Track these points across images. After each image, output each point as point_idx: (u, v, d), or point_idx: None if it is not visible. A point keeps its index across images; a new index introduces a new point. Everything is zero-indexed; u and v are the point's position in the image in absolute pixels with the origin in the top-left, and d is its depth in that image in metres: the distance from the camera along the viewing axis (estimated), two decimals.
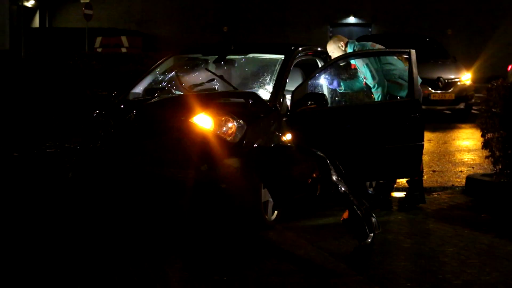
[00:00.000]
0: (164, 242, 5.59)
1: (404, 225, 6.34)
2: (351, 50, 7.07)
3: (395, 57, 7.01)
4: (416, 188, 6.97)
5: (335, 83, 7.09)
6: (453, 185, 8.17)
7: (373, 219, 5.44)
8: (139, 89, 7.19)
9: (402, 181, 7.77)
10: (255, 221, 5.93)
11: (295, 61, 6.97)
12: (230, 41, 27.75)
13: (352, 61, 7.09)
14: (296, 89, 6.51)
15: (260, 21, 30.71)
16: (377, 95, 6.88)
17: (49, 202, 6.31)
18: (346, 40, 7.20)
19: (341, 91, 7.20)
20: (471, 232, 6.06)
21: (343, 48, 7.10)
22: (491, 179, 7.46)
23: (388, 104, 6.73)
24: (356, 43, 7.20)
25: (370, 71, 6.84)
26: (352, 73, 7.29)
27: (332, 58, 7.11)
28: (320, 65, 7.45)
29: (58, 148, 6.22)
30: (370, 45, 7.22)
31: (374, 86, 6.88)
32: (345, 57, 7.04)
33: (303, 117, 6.40)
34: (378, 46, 7.22)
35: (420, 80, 6.80)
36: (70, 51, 15.01)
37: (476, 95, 15.18)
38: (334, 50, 7.16)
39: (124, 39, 25.15)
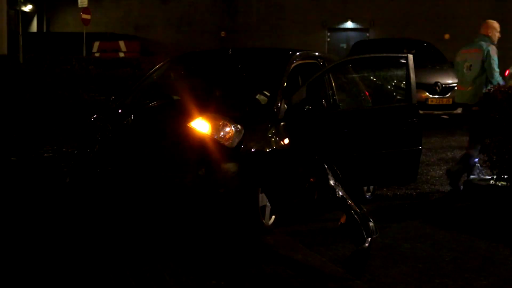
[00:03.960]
0: (162, 247, 5.59)
1: (401, 230, 6.34)
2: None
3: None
4: None
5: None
6: (451, 189, 8.17)
7: (371, 224, 5.45)
8: (136, 93, 7.19)
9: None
10: (252, 226, 5.93)
11: (293, 66, 6.98)
12: (228, 46, 27.79)
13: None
14: (293, 93, 6.52)
15: (258, 26, 30.75)
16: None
17: (47, 207, 6.31)
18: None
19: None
20: (469, 237, 6.07)
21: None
22: (488, 183, 7.47)
23: (386, 108, 6.73)
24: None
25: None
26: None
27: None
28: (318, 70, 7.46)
29: (56, 152, 6.23)
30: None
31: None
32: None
33: (301, 121, 6.40)
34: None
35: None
36: (68, 56, 15.01)
37: None
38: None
39: (121, 43, 25.19)
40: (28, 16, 31.09)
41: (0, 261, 5.21)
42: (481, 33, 7.99)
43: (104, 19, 30.47)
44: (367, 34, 30.57)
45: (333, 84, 7.04)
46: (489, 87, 7.53)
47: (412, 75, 6.56)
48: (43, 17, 32.47)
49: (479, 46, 7.85)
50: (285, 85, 6.65)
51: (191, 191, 5.68)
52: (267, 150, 5.93)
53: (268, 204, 6.00)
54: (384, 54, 7.29)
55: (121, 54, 23.99)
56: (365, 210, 5.63)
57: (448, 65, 16.02)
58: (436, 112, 14.81)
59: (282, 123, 6.33)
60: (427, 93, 14.42)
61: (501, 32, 8.13)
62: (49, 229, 5.98)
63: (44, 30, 32.36)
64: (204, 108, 6.17)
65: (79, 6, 20.53)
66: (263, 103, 6.71)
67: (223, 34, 30.63)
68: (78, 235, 5.82)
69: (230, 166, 5.73)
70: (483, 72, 7.75)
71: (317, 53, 7.73)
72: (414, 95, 6.53)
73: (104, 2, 31.38)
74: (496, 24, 8.08)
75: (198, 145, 5.77)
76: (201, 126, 5.87)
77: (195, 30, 30.97)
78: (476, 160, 7.81)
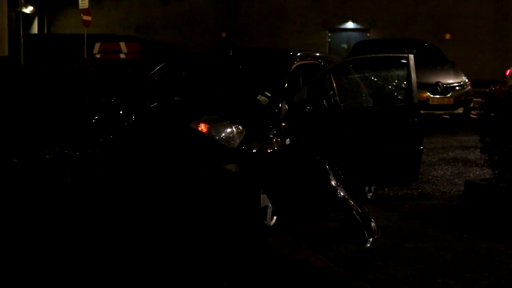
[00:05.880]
0: (164, 247, 5.59)
1: (403, 230, 6.34)
2: None
3: None
4: None
5: None
6: (452, 189, 8.18)
7: (372, 224, 5.46)
8: (138, 95, 7.20)
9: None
10: (254, 226, 5.93)
11: (294, 66, 6.99)
12: (229, 46, 27.82)
13: None
14: (294, 94, 6.52)
15: (259, 26, 30.78)
16: None
17: (49, 209, 6.31)
18: None
19: None
20: (470, 237, 6.07)
21: None
22: (490, 183, 7.47)
23: (387, 109, 6.74)
24: None
25: None
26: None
27: None
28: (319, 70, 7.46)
29: (57, 154, 6.22)
30: None
31: None
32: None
33: (302, 122, 6.40)
34: None
35: None
36: (69, 57, 15.02)
37: (475, 99, 15.21)
38: None
39: (122, 45, 25.24)
40: (29, 17, 31.14)
41: (2, 262, 5.21)
42: None
43: (105, 21, 30.53)
44: (368, 34, 30.61)
45: (334, 84, 7.04)
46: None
47: (413, 75, 6.56)
48: (44, 18, 32.52)
49: None
50: (286, 85, 6.65)
51: (192, 192, 5.68)
52: (269, 151, 5.93)
53: (269, 205, 6.00)
54: (385, 54, 7.30)
55: (122, 55, 24.04)
56: (367, 210, 5.64)
57: (449, 65, 16.04)
58: (437, 112, 14.82)
59: (283, 124, 6.34)
60: (428, 93, 14.44)
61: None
62: (51, 230, 5.98)
63: (45, 32, 32.42)
64: (205, 109, 6.17)
65: (80, 7, 20.57)
66: (264, 103, 6.71)
67: (223, 35, 30.66)
68: (79, 236, 5.83)
69: (231, 167, 5.73)
70: None
71: (318, 54, 7.74)
72: (415, 95, 6.54)
73: (105, 3, 31.44)
74: None
75: (199, 146, 5.77)
76: (202, 127, 5.87)
77: (196, 31, 31.02)
78: None
